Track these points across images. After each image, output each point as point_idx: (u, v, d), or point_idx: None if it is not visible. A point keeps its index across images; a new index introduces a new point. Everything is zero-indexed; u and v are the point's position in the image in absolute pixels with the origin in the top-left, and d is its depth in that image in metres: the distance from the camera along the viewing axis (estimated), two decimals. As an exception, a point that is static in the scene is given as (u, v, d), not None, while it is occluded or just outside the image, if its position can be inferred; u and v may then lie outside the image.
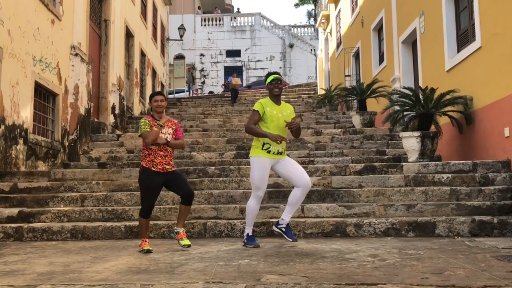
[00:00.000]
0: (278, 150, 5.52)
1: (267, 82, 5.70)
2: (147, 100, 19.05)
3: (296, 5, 44.29)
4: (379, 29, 15.27)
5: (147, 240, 5.43)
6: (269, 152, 5.50)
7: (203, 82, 35.58)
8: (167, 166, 5.51)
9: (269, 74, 5.79)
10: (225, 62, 35.84)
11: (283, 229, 5.63)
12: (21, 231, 6.49)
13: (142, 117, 17.03)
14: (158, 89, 21.61)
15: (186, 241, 5.41)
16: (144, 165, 5.49)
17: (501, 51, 7.69)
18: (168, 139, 5.54)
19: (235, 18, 36.88)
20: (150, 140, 5.43)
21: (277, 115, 5.55)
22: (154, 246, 5.69)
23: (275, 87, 5.61)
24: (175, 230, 5.54)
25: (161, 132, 5.51)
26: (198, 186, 7.93)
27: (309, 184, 5.57)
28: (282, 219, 5.66)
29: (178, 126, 5.77)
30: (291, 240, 5.59)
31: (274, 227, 5.75)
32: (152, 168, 5.44)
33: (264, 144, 5.49)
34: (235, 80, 22.59)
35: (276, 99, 5.65)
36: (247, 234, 5.58)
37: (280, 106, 5.68)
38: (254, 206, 5.57)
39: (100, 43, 13.77)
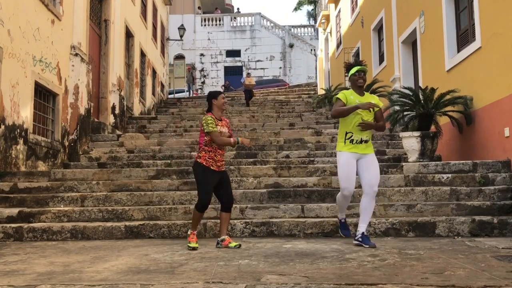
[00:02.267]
0: (361, 138, 5.36)
1: (350, 73, 5.55)
2: (147, 100, 19.05)
3: (295, 9, 44.14)
4: (379, 29, 15.27)
5: (195, 233, 5.57)
6: (352, 141, 5.35)
7: (203, 82, 35.56)
8: (222, 162, 5.67)
9: (352, 64, 5.62)
10: (225, 62, 35.82)
11: (359, 239, 5.39)
12: (21, 231, 6.49)
13: (142, 117, 16.97)
14: (158, 88, 21.61)
15: (234, 243, 5.53)
16: (204, 163, 5.54)
17: (501, 51, 7.69)
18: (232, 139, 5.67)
19: (235, 18, 36.85)
20: (221, 144, 5.62)
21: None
22: (154, 246, 5.71)
23: (359, 78, 5.49)
24: (220, 239, 5.59)
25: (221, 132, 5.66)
26: (198, 186, 7.93)
27: (373, 189, 5.38)
28: (358, 231, 5.45)
29: (229, 124, 5.94)
30: (367, 246, 5.27)
31: (354, 242, 5.48)
32: (211, 167, 5.54)
33: (346, 133, 5.38)
34: (248, 80, 20.27)
35: (359, 90, 5.53)
36: (340, 219, 5.83)
37: (364, 97, 5.51)
38: (341, 199, 5.56)
39: (100, 43, 13.77)
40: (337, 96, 5.53)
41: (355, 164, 5.40)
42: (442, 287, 3.47)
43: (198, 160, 5.63)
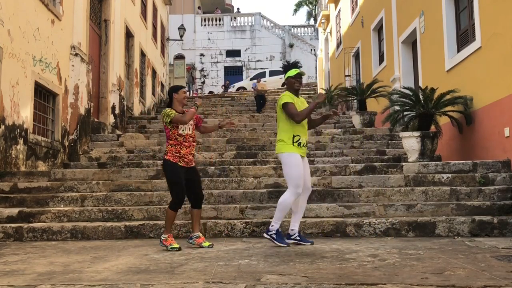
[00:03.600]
0: (306, 141, 5.57)
1: (289, 74, 5.61)
2: (147, 100, 19.05)
3: (295, 11, 44.15)
4: (379, 29, 15.27)
5: (172, 236, 5.50)
6: (299, 144, 5.48)
7: (203, 82, 35.56)
8: (190, 157, 5.60)
9: (289, 65, 5.68)
10: (225, 62, 35.82)
11: (297, 238, 5.57)
12: (21, 231, 6.49)
13: (142, 117, 16.97)
14: (158, 89, 21.61)
15: (208, 242, 5.54)
16: (170, 159, 5.50)
17: (501, 51, 7.69)
18: (189, 131, 5.61)
19: (235, 18, 36.85)
20: (188, 118, 5.53)
21: (301, 107, 5.57)
22: (154, 246, 5.70)
23: (296, 82, 5.59)
24: (195, 236, 5.59)
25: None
26: (198, 186, 7.93)
27: (310, 189, 5.72)
28: (292, 230, 5.59)
29: (197, 116, 5.85)
30: (309, 244, 5.52)
31: (287, 240, 5.56)
32: (179, 163, 5.50)
33: (294, 136, 5.47)
34: (261, 85, 19.30)
35: (296, 92, 5.64)
36: (277, 230, 5.49)
37: (300, 98, 5.71)
38: (290, 202, 5.47)
39: (100, 43, 13.77)
40: (285, 100, 5.48)
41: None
42: (442, 287, 3.47)
43: (165, 157, 5.57)
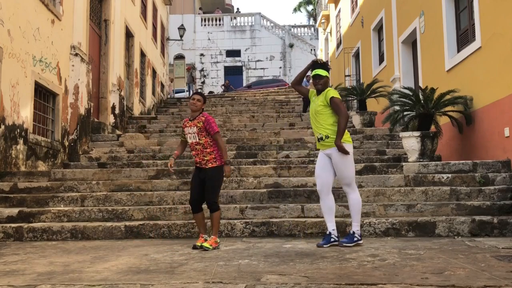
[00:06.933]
0: (319, 135, 5.49)
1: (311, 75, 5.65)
2: (147, 100, 19.05)
3: (295, 10, 44.19)
4: (379, 29, 15.27)
5: (203, 235, 5.59)
6: (317, 140, 5.56)
7: (203, 82, 35.56)
8: (202, 162, 5.73)
9: (316, 64, 5.62)
10: (225, 62, 35.83)
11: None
12: (21, 231, 6.49)
13: (142, 117, 16.99)
14: (158, 89, 21.60)
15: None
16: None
17: (501, 51, 7.69)
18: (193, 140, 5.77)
19: (235, 18, 36.87)
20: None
21: (312, 105, 5.65)
22: (154, 246, 5.70)
23: (316, 83, 5.57)
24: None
25: (186, 133, 5.84)
26: (198, 186, 7.93)
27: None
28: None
29: (208, 121, 5.70)
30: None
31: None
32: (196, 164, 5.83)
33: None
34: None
35: (318, 92, 5.62)
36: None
37: (319, 97, 5.59)
38: (323, 201, 5.59)
39: (100, 43, 13.76)
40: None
41: (324, 160, 5.50)
42: (442, 287, 3.47)
43: None
